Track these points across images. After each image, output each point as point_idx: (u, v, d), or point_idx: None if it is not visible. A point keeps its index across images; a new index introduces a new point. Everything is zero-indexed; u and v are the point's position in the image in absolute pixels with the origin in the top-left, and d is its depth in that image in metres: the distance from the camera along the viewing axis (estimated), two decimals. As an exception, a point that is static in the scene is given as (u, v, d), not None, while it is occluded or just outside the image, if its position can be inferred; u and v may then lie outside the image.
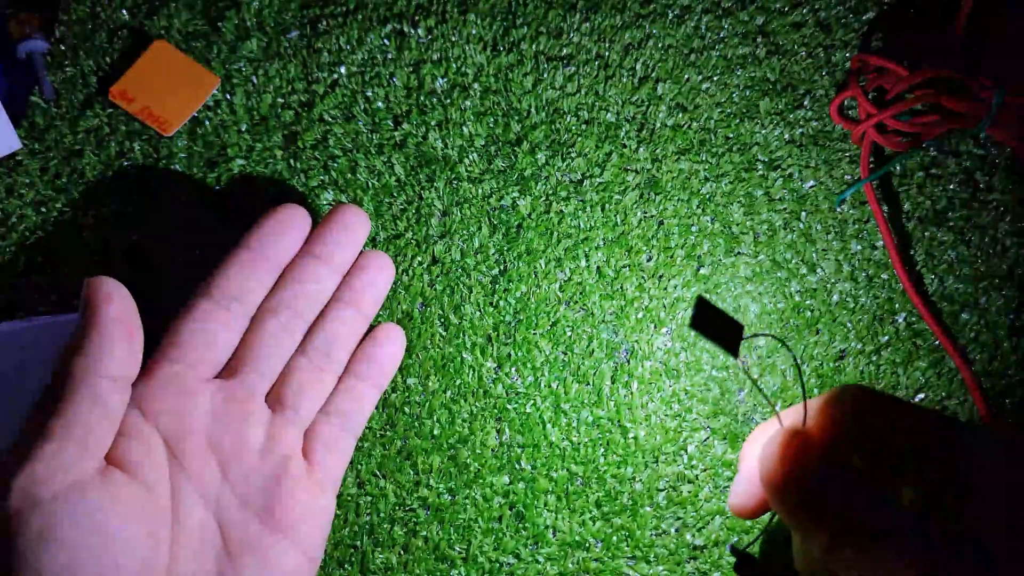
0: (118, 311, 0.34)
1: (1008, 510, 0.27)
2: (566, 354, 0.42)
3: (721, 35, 0.46)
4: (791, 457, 0.30)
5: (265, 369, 0.38)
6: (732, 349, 0.33)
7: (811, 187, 0.45)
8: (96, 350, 0.33)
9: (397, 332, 0.41)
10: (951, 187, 0.45)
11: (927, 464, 0.28)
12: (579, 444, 0.41)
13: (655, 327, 0.43)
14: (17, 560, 0.29)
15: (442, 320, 0.42)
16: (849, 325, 0.43)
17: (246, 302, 0.38)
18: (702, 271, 0.43)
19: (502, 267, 0.43)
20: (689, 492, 0.41)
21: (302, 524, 0.36)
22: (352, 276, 0.40)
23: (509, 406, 0.42)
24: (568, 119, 0.44)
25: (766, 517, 0.40)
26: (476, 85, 0.44)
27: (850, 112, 0.46)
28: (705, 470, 0.41)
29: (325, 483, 0.38)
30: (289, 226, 0.39)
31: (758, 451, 0.32)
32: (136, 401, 0.35)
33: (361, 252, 0.41)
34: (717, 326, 0.33)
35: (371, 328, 0.41)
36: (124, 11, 0.44)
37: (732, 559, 0.40)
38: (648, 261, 0.43)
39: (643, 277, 0.43)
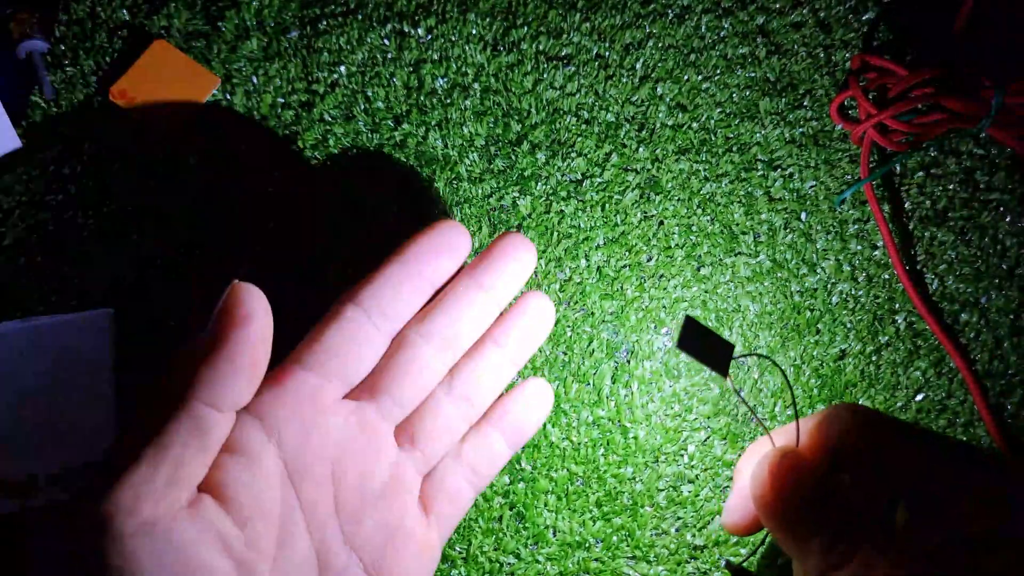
0: (255, 335, 0.28)
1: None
2: (566, 354, 0.42)
3: (721, 35, 0.46)
4: (781, 477, 0.31)
5: (404, 398, 0.34)
6: (722, 369, 0.33)
7: (811, 187, 0.45)
8: (213, 378, 0.28)
9: (547, 393, 0.38)
10: (951, 187, 0.45)
11: (920, 482, 0.28)
12: (579, 444, 0.41)
13: (655, 327, 0.43)
14: None
15: (442, 320, 0.42)
16: (849, 325, 0.43)
17: (393, 319, 0.34)
18: (702, 271, 0.43)
19: (502, 267, 0.43)
20: (689, 492, 0.41)
21: None
22: (511, 317, 0.37)
23: (509, 406, 0.42)
24: (568, 119, 0.44)
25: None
26: (476, 85, 0.44)
27: (850, 112, 0.46)
28: (705, 470, 0.41)
29: (435, 539, 0.34)
30: (448, 245, 0.35)
31: (751, 468, 0.32)
32: (256, 409, 0.31)
33: (523, 292, 0.38)
34: (706, 346, 0.33)
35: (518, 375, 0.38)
36: (124, 11, 0.44)
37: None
38: (648, 261, 0.43)
39: (643, 277, 0.43)
